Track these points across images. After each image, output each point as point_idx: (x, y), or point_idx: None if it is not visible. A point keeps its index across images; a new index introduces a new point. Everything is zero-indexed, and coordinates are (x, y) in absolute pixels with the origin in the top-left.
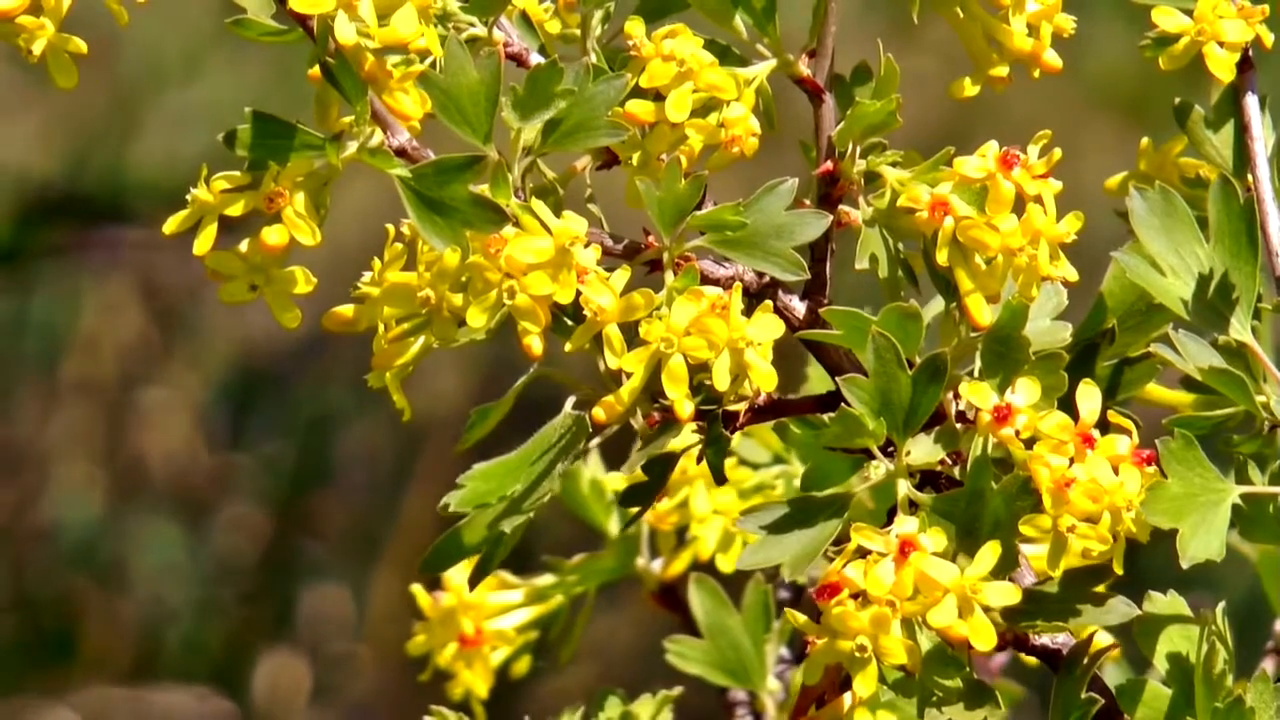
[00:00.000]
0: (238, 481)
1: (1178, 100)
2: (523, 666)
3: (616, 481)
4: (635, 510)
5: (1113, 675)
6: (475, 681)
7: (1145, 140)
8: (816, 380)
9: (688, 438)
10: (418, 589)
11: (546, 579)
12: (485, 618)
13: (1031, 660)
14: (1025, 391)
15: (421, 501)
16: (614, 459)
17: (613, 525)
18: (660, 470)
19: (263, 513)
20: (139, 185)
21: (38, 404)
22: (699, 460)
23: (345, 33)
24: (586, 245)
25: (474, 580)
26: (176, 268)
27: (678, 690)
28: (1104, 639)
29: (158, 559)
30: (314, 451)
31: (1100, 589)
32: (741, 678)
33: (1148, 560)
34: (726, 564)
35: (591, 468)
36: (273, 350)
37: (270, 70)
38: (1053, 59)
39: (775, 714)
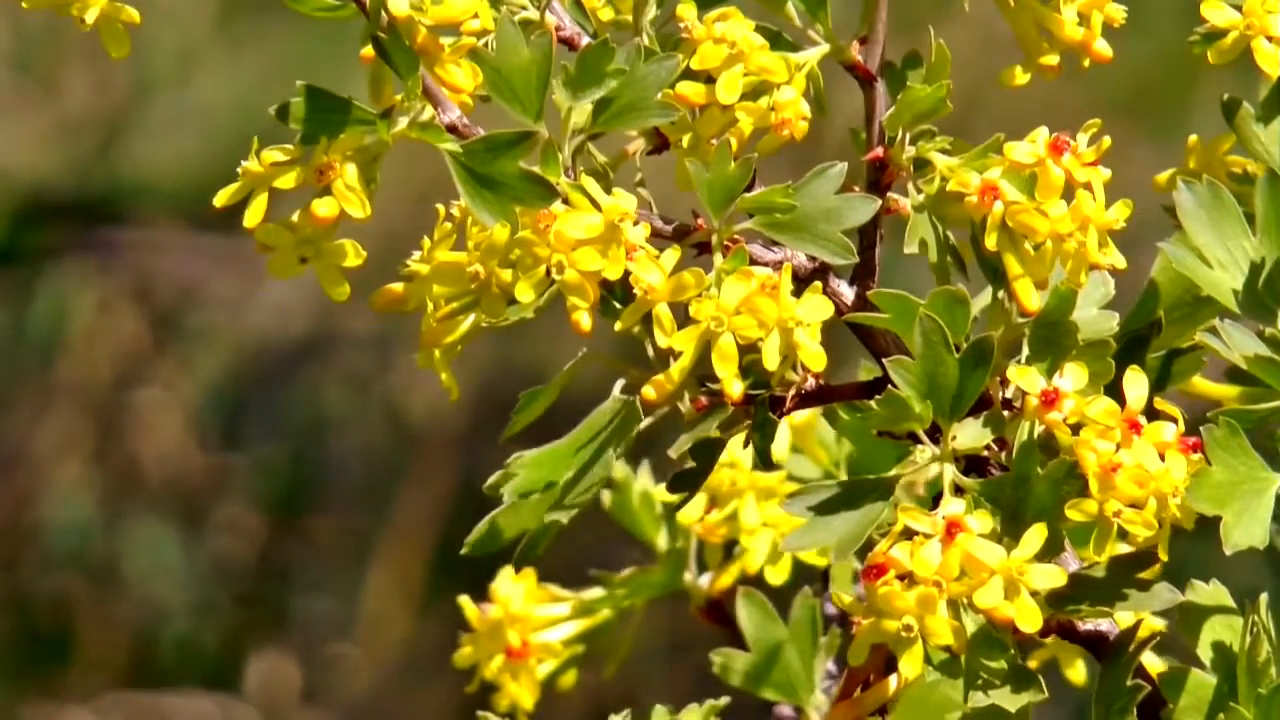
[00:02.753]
0: (232, 483)
1: (1226, 96)
2: (569, 679)
3: (666, 494)
4: (683, 495)
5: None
6: (521, 694)
7: (1193, 137)
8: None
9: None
10: (465, 601)
11: (594, 592)
12: (532, 630)
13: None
14: (1073, 377)
15: (415, 504)
16: (664, 472)
17: (662, 539)
18: (707, 456)
19: (257, 514)
20: (135, 187)
21: (33, 405)
22: (745, 444)
23: (399, 5)
24: (636, 224)
25: (519, 565)
26: (172, 269)
27: (724, 700)
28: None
29: (152, 560)
30: (308, 453)
31: (1151, 574)
32: (788, 692)
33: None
34: (776, 577)
35: (641, 480)
36: (268, 352)
37: (266, 71)
38: (1103, 48)
39: None
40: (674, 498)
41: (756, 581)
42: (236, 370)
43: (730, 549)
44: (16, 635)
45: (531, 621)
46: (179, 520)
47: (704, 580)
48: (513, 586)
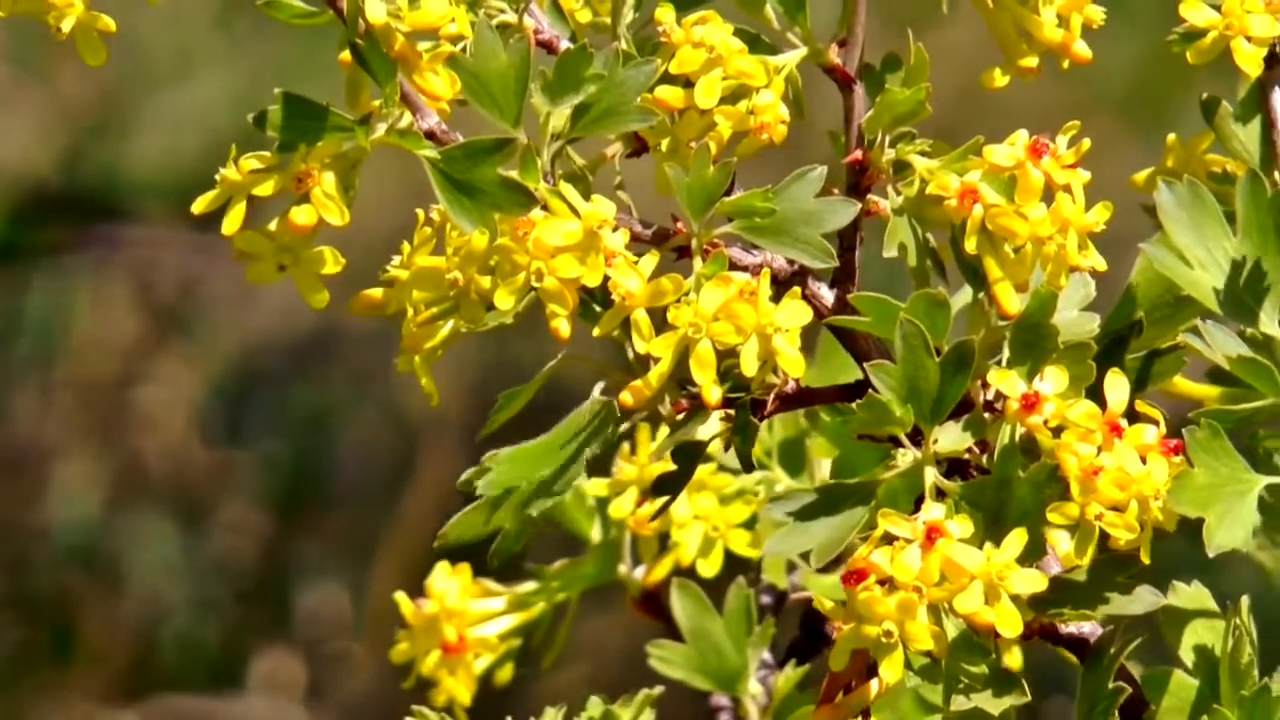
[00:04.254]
0: (235, 480)
1: (1205, 95)
2: (506, 674)
3: (598, 488)
4: (664, 501)
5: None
6: (458, 689)
7: (1172, 136)
8: None
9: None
10: (401, 596)
11: (529, 586)
12: (468, 625)
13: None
14: (1053, 380)
15: (418, 501)
16: (595, 466)
17: (595, 532)
18: (689, 458)
19: (260, 511)
20: (135, 183)
21: (35, 402)
22: (726, 448)
23: (376, 12)
24: (615, 229)
25: (494, 561)
26: (174, 266)
27: (659, 690)
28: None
29: (155, 557)
30: (311, 450)
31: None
32: (724, 682)
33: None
34: (707, 569)
35: None
36: (270, 349)
37: (266, 69)
38: (1083, 50)
39: (758, 718)
40: (605, 490)
41: (693, 572)
42: (239, 367)
43: (665, 540)
44: (19, 632)
45: (467, 616)
46: (182, 517)
47: (638, 572)
48: (448, 581)
